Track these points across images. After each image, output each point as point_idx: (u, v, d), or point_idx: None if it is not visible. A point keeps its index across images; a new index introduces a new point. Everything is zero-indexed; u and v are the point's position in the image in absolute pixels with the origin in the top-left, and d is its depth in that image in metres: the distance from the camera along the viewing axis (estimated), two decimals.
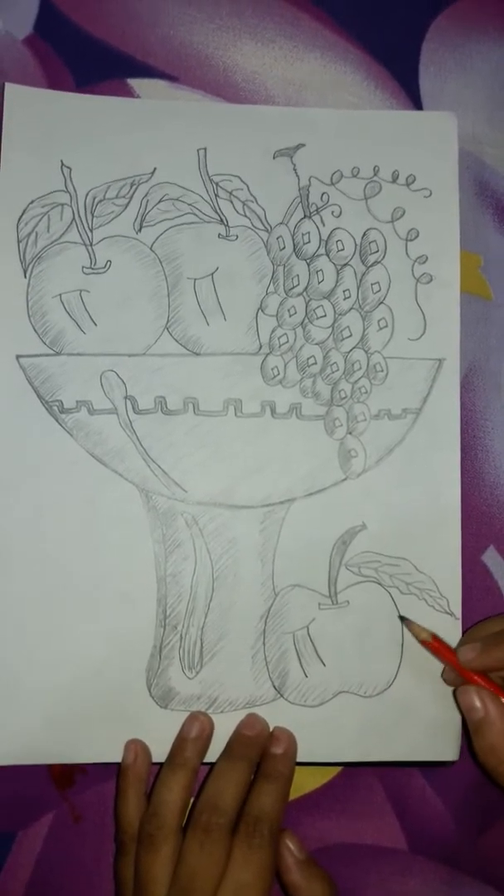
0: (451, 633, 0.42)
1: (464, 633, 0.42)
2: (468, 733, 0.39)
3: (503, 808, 0.43)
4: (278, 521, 0.43)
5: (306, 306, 0.43)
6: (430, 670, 0.42)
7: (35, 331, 0.42)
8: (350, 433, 0.43)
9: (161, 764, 0.41)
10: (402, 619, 0.42)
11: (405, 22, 0.47)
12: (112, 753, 0.41)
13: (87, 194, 0.43)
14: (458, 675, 0.40)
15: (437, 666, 0.42)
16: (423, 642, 0.41)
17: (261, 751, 0.41)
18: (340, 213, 0.44)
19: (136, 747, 0.41)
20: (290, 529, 0.43)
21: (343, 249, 0.44)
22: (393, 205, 0.44)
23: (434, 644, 0.41)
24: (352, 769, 0.43)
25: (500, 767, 0.38)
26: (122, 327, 0.43)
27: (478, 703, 0.39)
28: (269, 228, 0.44)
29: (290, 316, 0.43)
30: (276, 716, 0.42)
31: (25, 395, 0.42)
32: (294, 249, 0.44)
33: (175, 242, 0.43)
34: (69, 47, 0.45)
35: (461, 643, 0.41)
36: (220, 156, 0.44)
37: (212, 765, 0.40)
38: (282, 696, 0.42)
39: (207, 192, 0.44)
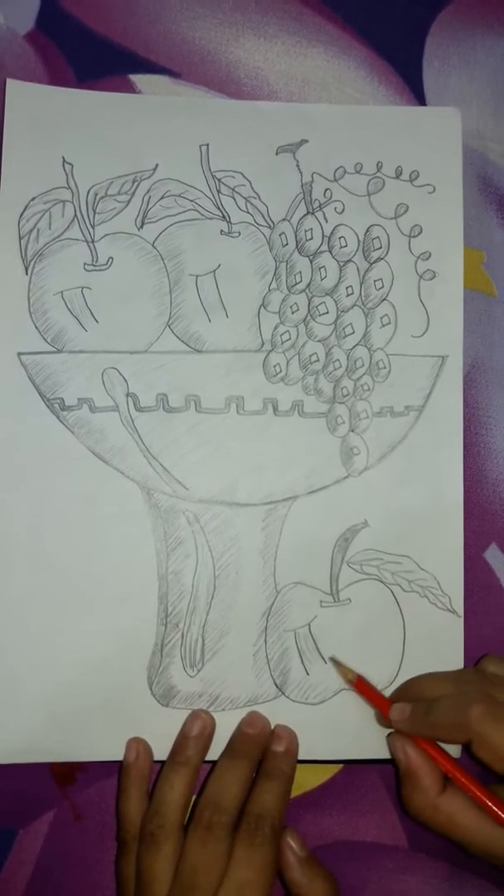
0: (453, 630, 0.42)
1: (466, 633, 0.43)
2: None
3: None
4: (280, 519, 0.43)
5: (309, 303, 0.43)
6: (431, 668, 0.42)
7: (36, 328, 0.42)
8: (352, 431, 0.43)
9: (163, 762, 0.41)
10: (332, 660, 0.42)
11: (409, 17, 0.47)
12: (113, 751, 0.41)
13: (88, 191, 0.43)
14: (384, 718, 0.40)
15: (439, 664, 0.42)
16: (350, 683, 0.41)
17: (262, 749, 0.41)
18: (343, 209, 0.44)
19: (138, 745, 0.41)
20: (291, 527, 0.43)
21: (346, 246, 0.44)
22: (396, 201, 0.44)
23: (359, 686, 0.41)
24: (353, 767, 0.43)
25: (418, 818, 0.38)
26: (123, 324, 0.42)
27: (401, 755, 0.39)
28: (271, 225, 0.44)
29: (293, 313, 0.43)
30: (277, 714, 0.42)
31: (27, 393, 0.42)
32: (297, 246, 0.43)
33: (177, 239, 0.43)
34: (71, 43, 0.45)
35: (396, 694, 0.41)
36: (222, 152, 0.44)
37: (213, 763, 0.40)
38: (283, 693, 0.42)
39: (210, 188, 0.43)
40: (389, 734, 0.40)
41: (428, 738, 0.38)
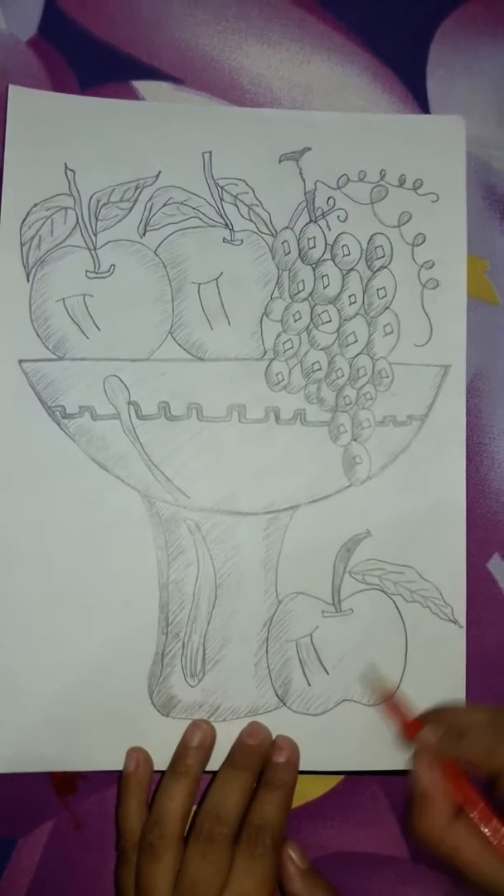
0: (456, 641, 0.42)
1: (469, 644, 0.43)
2: None
3: None
4: (282, 528, 0.42)
5: (311, 311, 0.43)
6: (433, 680, 0.42)
7: (38, 335, 0.42)
8: (355, 440, 0.43)
9: (163, 772, 0.40)
10: (371, 671, 0.42)
11: (413, 24, 0.46)
12: (113, 761, 0.41)
13: (91, 197, 0.43)
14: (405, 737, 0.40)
15: (442, 675, 0.42)
16: (381, 697, 0.41)
17: (263, 759, 0.40)
18: (346, 217, 0.44)
19: (138, 755, 0.40)
20: (293, 536, 0.42)
21: (349, 254, 0.43)
22: (399, 209, 0.44)
23: (389, 704, 0.41)
24: (354, 778, 0.42)
25: (422, 843, 0.37)
26: (125, 332, 0.42)
27: (421, 777, 0.37)
28: (274, 233, 0.43)
29: (295, 321, 0.43)
30: (278, 724, 0.41)
31: (28, 400, 0.42)
32: (299, 254, 0.43)
33: (179, 246, 0.43)
34: (73, 49, 0.45)
35: (429, 717, 0.40)
36: (225, 159, 0.44)
37: (214, 773, 0.40)
38: (284, 704, 0.42)
39: (212, 195, 0.43)
40: (414, 753, 0.38)
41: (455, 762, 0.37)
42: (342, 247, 0.43)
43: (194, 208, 0.43)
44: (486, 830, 0.36)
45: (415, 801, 0.37)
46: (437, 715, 0.40)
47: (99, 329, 0.42)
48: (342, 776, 0.43)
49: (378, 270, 0.43)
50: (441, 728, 0.38)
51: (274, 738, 0.41)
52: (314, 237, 0.43)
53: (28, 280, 0.42)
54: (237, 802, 0.39)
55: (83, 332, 0.42)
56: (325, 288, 0.43)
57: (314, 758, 0.41)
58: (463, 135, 0.45)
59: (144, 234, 0.43)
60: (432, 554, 0.43)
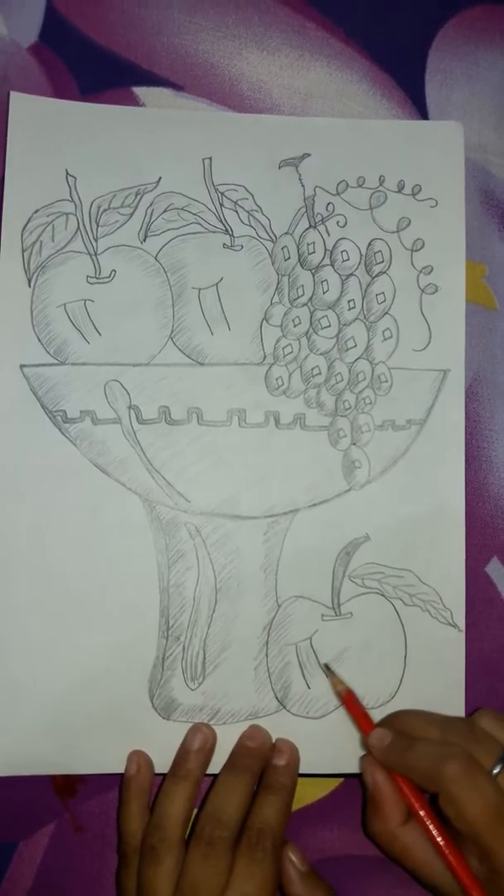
0: (455, 645, 0.42)
1: (468, 647, 0.43)
2: None
3: None
4: (282, 532, 0.43)
5: (311, 316, 0.43)
6: (432, 683, 0.42)
7: (39, 340, 0.42)
8: (354, 444, 0.43)
9: (164, 775, 0.40)
10: (326, 667, 0.42)
11: (412, 30, 0.47)
12: (114, 764, 0.41)
13: (91, 203, 0.43)
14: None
15: (441, 679, 0.42)
16: (338, 695, 0.41)
17: (263, 762, 0.41)
18: (346, 222, 0.44)
19: (139, 759, 0.41)
20: (293, 540, 0.43)
21: (348, 259, 0.44)
22: (398, 215, 0.44)
23: (347, 701, 0.41)
24: (354, 780, 0.42)
25: (375, 842, 0.38)
26: (126, 337, 0.42)
27: (369, 780, 0.39)
28: (274, 238, 0.44)
29: (295, 326, 0.43)
30: (278, 727, 0.42)
31: (29, 405, 0.42)
32: (299, 259, 0.43)
33: (180, 252, 0.43)
34: (74, 55, 0.45)
35: (383, 723, 0.40)
36: (225, 165, 0.44)
37: (214, 776, 0.40)
38: (284, 707, 0.42)
39: (212, 201, 0.44)
40: (363, 756, 0.40)
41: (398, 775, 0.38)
42: (341, 252, 0.44)
43: (194, 214, 0.43)
44: (434, 838, 0.36)
45: (367, 803, 0.39)
46: (391, 720, 0.40)
47: (100, 334, 0.42)
48: (342, 779, 0.43)
49: (377, 276, 0.44)
50: (391, 734, 0.39)
51: (274, 741, 0.41)
52: (313, 242, 0.43)
53: (29, 285, 0.42)
54: (238, 806, 0.39)
55: (84, 338, 0.42)
56: (324, 293, 0.43)
57: (314, 761, 0.41)
58: (461, 140, 0.45)
59: (145, 240, 0.43)
60: (431, 558, 0.43)
